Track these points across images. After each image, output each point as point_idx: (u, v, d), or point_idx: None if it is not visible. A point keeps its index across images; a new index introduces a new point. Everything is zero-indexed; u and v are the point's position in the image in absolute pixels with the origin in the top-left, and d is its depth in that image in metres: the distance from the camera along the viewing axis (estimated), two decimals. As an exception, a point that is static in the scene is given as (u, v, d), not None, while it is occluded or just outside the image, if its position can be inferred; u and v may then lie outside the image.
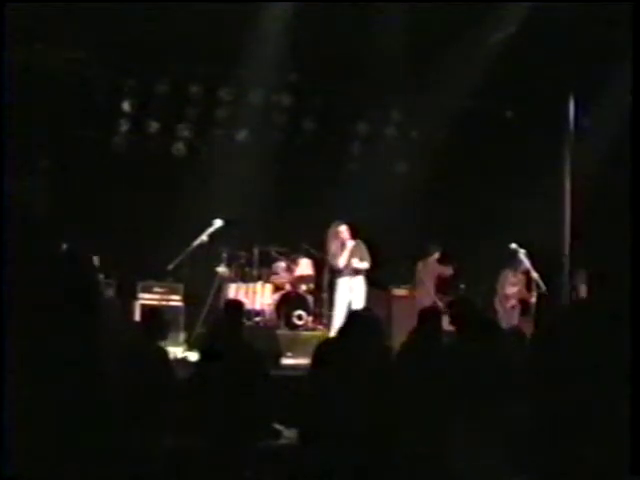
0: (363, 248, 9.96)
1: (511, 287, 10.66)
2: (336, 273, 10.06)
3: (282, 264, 11.00)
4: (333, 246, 9.96)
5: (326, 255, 10.14)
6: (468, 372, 5.08)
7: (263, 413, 5.43)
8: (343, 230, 9.92)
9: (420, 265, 11.06)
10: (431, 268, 11.06)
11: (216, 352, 5.59)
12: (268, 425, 5.61)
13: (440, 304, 10.43)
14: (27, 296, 2.79)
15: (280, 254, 11.00)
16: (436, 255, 11.09)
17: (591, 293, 9.95)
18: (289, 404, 5.42)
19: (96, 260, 10.38)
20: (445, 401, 5.00)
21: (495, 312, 10.45)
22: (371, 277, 10.20)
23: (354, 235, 9.95)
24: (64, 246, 9.29)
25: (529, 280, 10.42)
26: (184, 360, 8.13)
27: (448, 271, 11.04)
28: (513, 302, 10.65)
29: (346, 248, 9.89)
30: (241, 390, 5.27)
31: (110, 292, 10.38)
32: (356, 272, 9.91)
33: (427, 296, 10.61)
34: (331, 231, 10.01)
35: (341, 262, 9.86)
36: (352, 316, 5.99)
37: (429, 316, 5.95)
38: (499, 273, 10.81)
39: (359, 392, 4.93)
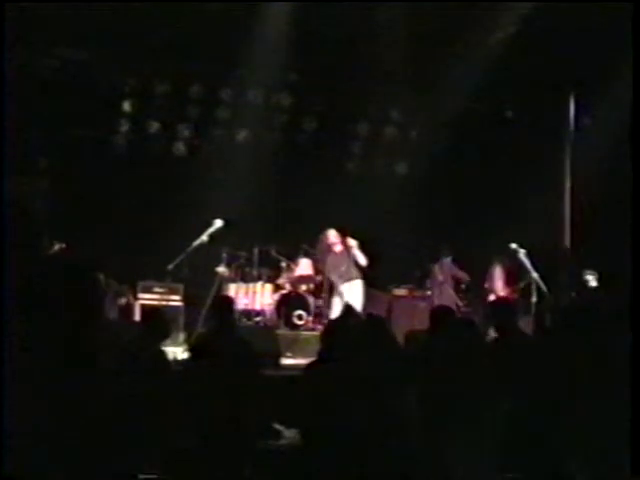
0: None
1: (501, 282, 10.67)
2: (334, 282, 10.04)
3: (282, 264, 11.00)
4: (330, 259, 9.95)
5: (321, 267, 10.17)
6: (474, 371, 5.08)
7: (258, 411, 5.42)
8: (335, 235, 9.91)
9: (436, 267, 11.05)
10: (447, 269, 11.06)
11: (204, 350, 5.58)
12: (268, 425, 5.60)
13: (460, 304, 10.49)
14: (27, 296, 2.79)
15: (280, 254, 10.99)
16: (449, 257, 11.11)
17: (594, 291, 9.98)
18: (289, 404, 5.41)
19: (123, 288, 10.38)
20: (452, 401, 5.00)
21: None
22: (371, 278, 10.20)
23: (345, 238, 9.92)
24: (57, 246, 9.37)
25: (518, 275, 10.45)
26: (183, 360, 8.12)
27: (464, 277, 11.05)
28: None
29: (345, 257, 9.87)
30: (233, 388, 5.26)
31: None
32: (355, 277, 9.90)
33: (442, 297, 10.64)
34: (322, 241, 10.00)
35: (336, 281, 9.86)
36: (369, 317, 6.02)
37: (443, 316, 5.93)
38: (488, 269, 10.83)
39: (362, 391, 4.93)
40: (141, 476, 4.92)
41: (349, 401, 4.85)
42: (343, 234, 9.92)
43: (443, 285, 10.90)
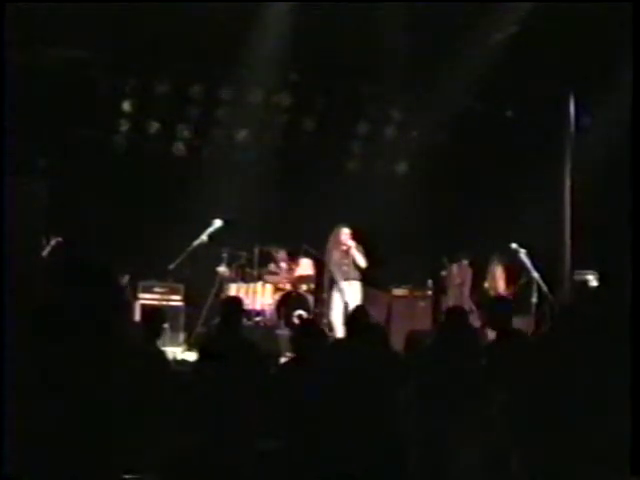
0: (362, 250, 10.00)
1: (502, 282, 10.68)
2: (334, 278, 10.06)
3: (277, 264, 11.01)
4: (335, 252, 9.96)
5: (327, 261, 10.16)
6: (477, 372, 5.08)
7: (262, 412, 5.43)
8: (347, 233, 9.93)
9: (454, 269, 11.05)
10: (464, 272, 11.04)
11: (215, 351, 5.59)
12: (268, 425, 5.60)
13: (474, 308, 10.48)
14: (27, 297, 2.80)
15: (278, 254, 11.00)
16: (467, 261, 11.10)
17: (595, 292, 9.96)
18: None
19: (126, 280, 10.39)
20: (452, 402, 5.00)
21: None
22: (371, 278, 10.22)
23: (355, 239, 9.98)
24: (53, 241, 9.38)
25: (518, 273, 10.48)
26: (184, 360, 8.12)
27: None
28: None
29: (347, 256, 9.89)
30: (241, 389, 5.27)
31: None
32: (353, 278, 9.93)
33: (460, 299, 10.66)
34: (333, 236, 10.00)
35: (338, 277, 9.87)
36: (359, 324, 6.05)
37: (458, 317, 5.93)
38: (487, 269, 10.82)
39: (365, 393, 4.94)
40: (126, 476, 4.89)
41: (331, 401, 4.86)
42: (352, 234, 9.95)
43: (460, 288, 10.90)
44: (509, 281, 10.61)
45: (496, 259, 10.72)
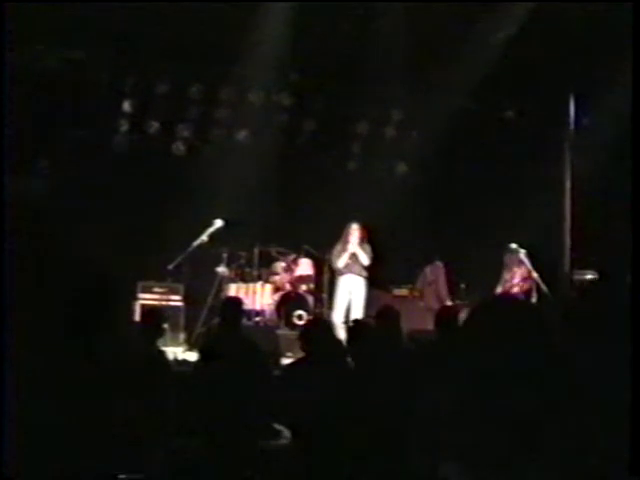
0: (367, 249, 10.03)
1: (512, 287, 10.68)
2: (336, 272, 10.12)
3: (281, 264, 11.00)
4: (339, 245, 10.05)
5: (329, 253, 10.22)
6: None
7: (263, 412, 5.43)
8: (356, 229, 9.98)
9: (428, 269, 11.09)
10: (437, 271, 11.10)
11: (215, 351, 5.59)
12: (268, 425, 5.61)
13: (450, 304, 10.54)
14: (29, 296, 2.79)
15: (280, 254, 10.99)
16: (441, 262, 11.16)
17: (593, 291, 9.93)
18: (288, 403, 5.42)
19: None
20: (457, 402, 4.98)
21: None
22: (371, 277, 10.23)
23: (364, 236, 10.03)
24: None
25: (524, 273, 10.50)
26: (184, 360, 8.12)
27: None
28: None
29: (349, 249, 9.93)
30: (241, 389, 5.27)
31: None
32: (357, 273, 9.95)
33: (434, 298, 10.70)
34: (345, 231, 10.10)
35: (340, 263, 9.91)
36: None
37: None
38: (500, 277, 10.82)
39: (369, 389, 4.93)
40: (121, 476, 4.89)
41: (335, 399, 4.85)
42: (362, 231, 10.00)
43: (434, 285, 10.97)
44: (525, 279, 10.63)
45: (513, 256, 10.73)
